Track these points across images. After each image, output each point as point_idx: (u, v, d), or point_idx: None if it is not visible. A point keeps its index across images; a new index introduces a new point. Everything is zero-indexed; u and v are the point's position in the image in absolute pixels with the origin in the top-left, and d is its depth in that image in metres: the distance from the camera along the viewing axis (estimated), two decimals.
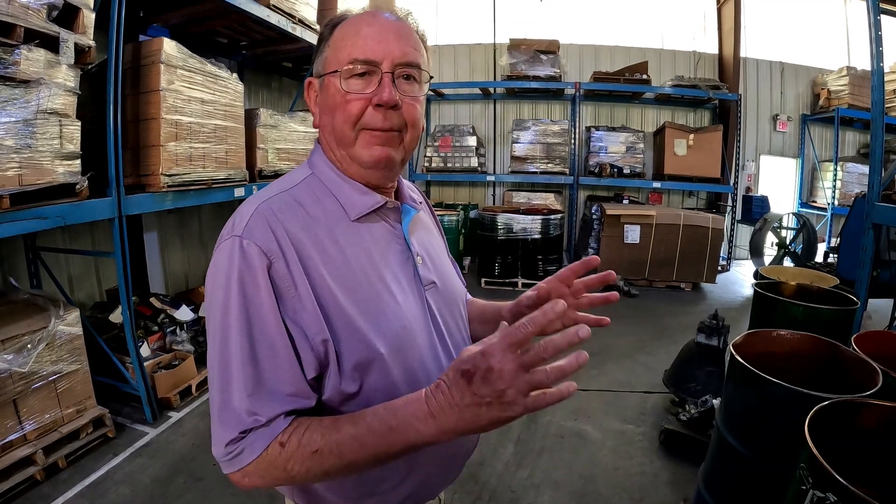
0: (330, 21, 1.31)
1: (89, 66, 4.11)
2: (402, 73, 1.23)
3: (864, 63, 10.95)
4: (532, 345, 0.96)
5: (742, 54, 11.84)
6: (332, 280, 1.17)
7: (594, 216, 11.02)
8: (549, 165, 11.49)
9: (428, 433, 1.03)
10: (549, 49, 11.24)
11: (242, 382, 1.08)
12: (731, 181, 11.46)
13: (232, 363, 1.09)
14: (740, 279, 10.77)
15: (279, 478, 1.10)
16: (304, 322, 1.13)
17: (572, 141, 11.73)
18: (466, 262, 11.09)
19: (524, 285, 9.54)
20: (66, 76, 3.80)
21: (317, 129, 1.37)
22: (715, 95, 11.18)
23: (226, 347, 1.10)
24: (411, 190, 1.53)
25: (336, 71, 1.23)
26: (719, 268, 10.38)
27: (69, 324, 4.17)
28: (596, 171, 11.52)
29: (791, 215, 11.02)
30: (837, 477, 1.66)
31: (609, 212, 9.81)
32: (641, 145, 11.55)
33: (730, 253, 11.81)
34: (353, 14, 1.29)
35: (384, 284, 1.25)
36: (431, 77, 1.34)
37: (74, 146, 3.92)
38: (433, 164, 11.79)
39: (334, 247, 1.21)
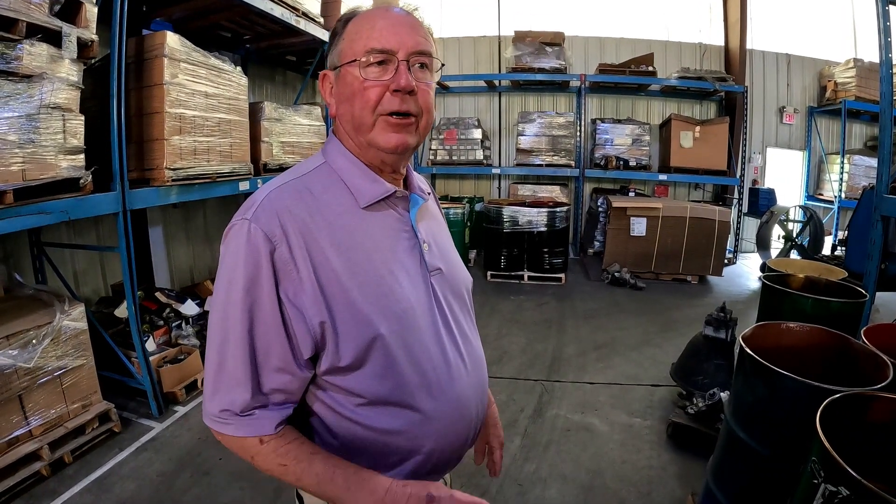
0: (343, 16, 1.38)
1: (92, 61, 4.10)
2: (416, 62, 1.31)
3: (870, 55, 10.91)
4: None
5: (748, 46, 11.80)
6: (338, 263, 1.25)
7: (600, 209, 11.03)
8: (555, 158, 11.47)
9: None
10: (554, 41, 11.19)
11: (237, 352, 1.21)
12: (738, 174, 11.43)
13: (230, 333, 1.22)
14: (747, 272, 10.75)
15: (244, 457, 1.29)
16: (303, 304, 1.22)
17: (578, 133, 11.70)
18: (472, 255, 11.09)
19: (530, 278, 9.57)
20: (69, 71, 3.78)
21: (333, 119, 1.44)
22: (721, 87, 11.13)
23: (226, 318, 1.22)
24: (420, 181, 1.60)
25: (354, 60, 1.29)
26: (726, 261, 10.35)
27: (74, 319, 4.17)
28: (602, 163, 11.51)
29: (798, 208, 10.98)
30: (850, 471, 1.64)
31: (615, 204, 9.80)
32: (647, 137, 11.53)
33: (736, 246, 11.81)
34: (364, 10, 1.36)
35: (388, 269, 1.32)
36: (443, 65, 1.42)
37: (78, 141, 3.91)
38: (438, 157, 11.78)
39: (342, 232, 1.28)
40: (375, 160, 1.38)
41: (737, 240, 11.80)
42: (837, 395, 2.08)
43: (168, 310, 5.70)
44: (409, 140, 1.34)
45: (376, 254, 1.31)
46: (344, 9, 7.11)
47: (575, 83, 11.77)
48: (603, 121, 11.78)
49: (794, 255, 10.23)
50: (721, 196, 12.11)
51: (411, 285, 1.35)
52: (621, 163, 11.38)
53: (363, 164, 1.38)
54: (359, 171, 1.37)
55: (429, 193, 1.62)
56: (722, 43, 12.30)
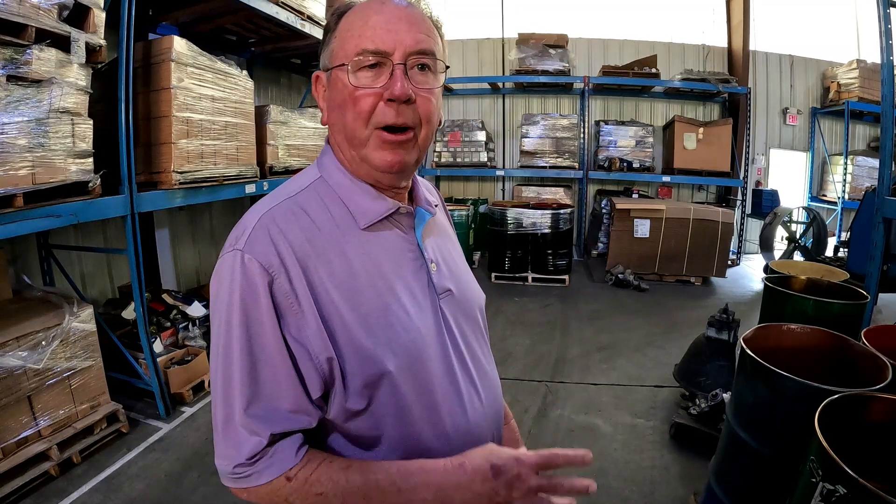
0: (336, 10, 1.21)
1: (100, 65, 4.14)
2: (415, 63, 1.15)
3: (874, 56, 10.91)
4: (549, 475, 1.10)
5: (751, 47, 11.84)
6: (337, 294, 1.12)
7: (604, 210, 11.03)
8: (559, 160, 11.50)
9: (427, 498, 1.08)
10: (557, 43, 11.22)
11: (245, 399, 1.07)
12: (741, 175, 11.44)
13: (234, 380, 1.07)
14: (750, 273, 10.74)
15: None
16: (307, 340, 1.09)
17: (581, 135, 11.73)
18: (476, 256, 11.12)
19: (534, 279, 9.58)
20: (78, 75, 3.82)
21: (326, 127, 1.28)
22: (724, 89, 11.16)
23: (228, 364, 1.08)
24: (428, 191, 1.45)
25: (343, 64, 1.14)
26: (729, 262, 10.36)
27: (83, 320, 4.21)
28: (605, 165, 11.54)
29: (801, 209, 10.97)
30: (847, 470, 1.67)
31: (619, 206, 9.81)
32: (651, 139, 11.56)
33: (740, 247, 11.81)
34: (360, 2, 1.19)
35: (394, 296, 1.19)
36: (448, 67, 1.25)
37: (87, 144, 3.95)
38: (443, 160, 11.83)
39: (340, 258, 1.15)
40: (369, 178, 1.23)
41: (740, 241, 11.81)
42: (836, 396, 2.11)
43: (175, 311, 5.74)
44: (406, 158, 1.19)
45: (380, 280, 1.17)
46: None
47: (578, 85, 11.82)
48: (606, 122, 11.80)
49: (797, 256, 10.23)
50: (724, 197, 12.13)
51: (419, 312, 1.22)
52: (625, 164, 11.42)
53: (360, 180, 1.24)
54: (357, 188, 1.22)
55: (436, 205, 1.46)
56: (725, 44, 12.34)
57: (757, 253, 11.34)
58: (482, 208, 11.78)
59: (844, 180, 11.44)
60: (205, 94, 4.94)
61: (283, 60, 8.81)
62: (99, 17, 3.98)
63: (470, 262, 10.20)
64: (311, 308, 1.09)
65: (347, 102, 1.15)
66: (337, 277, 1.13)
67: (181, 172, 4.74)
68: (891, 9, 4.91)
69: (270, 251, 1.08)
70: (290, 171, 6.57)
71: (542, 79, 11.35)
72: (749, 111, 11.54)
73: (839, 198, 11.57)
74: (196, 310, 5.82)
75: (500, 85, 12.57)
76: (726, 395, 4.15)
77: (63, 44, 3.72)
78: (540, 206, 9.92)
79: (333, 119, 1.22)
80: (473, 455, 1.11)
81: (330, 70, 1.19)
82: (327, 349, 1.09)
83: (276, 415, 1.08)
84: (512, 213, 9.48)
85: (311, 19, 6.47)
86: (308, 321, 1.08)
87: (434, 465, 1.10)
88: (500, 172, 12.25)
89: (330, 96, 1.22)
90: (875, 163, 10.26)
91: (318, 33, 6.60)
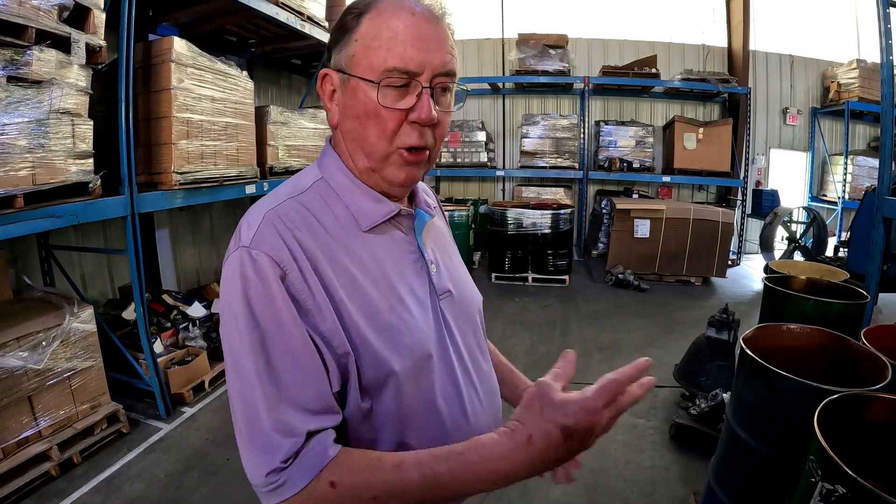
0: (355, 7, 1.15)
1: (100, 66, 4.14)
2: (440, 85, 1.13)
3: (874, 56, 10.90)
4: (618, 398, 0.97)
5: (751, 47, 11.83)
6: (344, 294, 1.08)
7: (604, 211, 11.03)
8: (559, 160, 11.50)
9: (496, 483, 0.98)
10: (557, 43, 11.22)
11: (268, 404, 0.99)
12: (741, 175, 11.43)
13: (255, 385, 1.00)
14: (750, 273, 10.74)
15: None
16: (324, 333, 1.05)
17: (581, 135, 11.74)
18: (476, 257, 11.09)
19: (534, 280, 9.58)
20: (78, 76, 3.82)
21: (333, 128, 1.24)
22: (724, 89, 11.16)
23: (246, 369, 1.01)
24: (426, 193, 1.43)
25: (372, 81, 1.09)
26: (729, 262, 10.36)
27: (83, 321, 4.21)
28: (605, 165, 11.54)
29: (801, 209, 10.97)
30: (846, 469, 1.67)
31: (619, 206, 9.81)
32: (651, 139, 11.56)
33: (740, 247, 11.80)
34: (383, 1, 1.12)
35: (398, 297, 1.17)
36: (467, 92, 1.23)
37: (87, 145, 3.95)
38: (442, 160, 11.81)
39: (345, 258, 1.12)
40: (377, 187, 1.21)
41: (740, 241, 11.80)
42: (836, 396, 2.10)
43: (175, 312, 5.74)
44: (418, 175, 1.20)
45: (383, 281, 1.16)
46: None
47: (578, 85, 11.82)
48: (606, 123, 11.80)
49: (797, 256, 10.23)
50: (725, 197, 12.13)
51: (422, 313, 1.20)
52: (625, 165, 11.42)
53: (364, 184, 1.21)
54: (360, 190, 1.20)
55: (435, 206, 1.45)
56: (725, 44, 12.33)
57: (757, 253, 11.33)
58: (482, 209, 11.77)
59: (844, 180, 11.43)
60: (205, 95, 4.94)
61: (283, 61, 8.83)
62: (99, 17, 3.99)
63: (470, 262, 10.19)
64: (325, 302, 1.05)
65: (370, 118, 1.12)
66: (342, 277, 1.10)
67: (181, 173, 4.74)
68: (891, 9, 4.92)
69: (279, 245, 1.04)
70: (290, 172, 6.56)
71: (542, 79, 11.35)
72: (749, 111, 11.54)
73: (839, 198, 11.57)
74: (196, 310, 5.83)
75: (500, 85, 12.58)
76: (726, 395, 4.15)
77: (63, 45, 3.72)
78: (540, 206, 9.91)
79: (349, 127, 1.18)
80: (535, 423, 0.95)
81: (348, 76, 1.14)
82: (344, 343, 1.06)
83: (303, 413, 1.01)
84: (512, 214, 9.47)
85: (311, 20, 6.48)
86: (324, 315, 1.05)
87: (494, 451, 0.96)
88: (500, 173, 12.25)
89: (346, 103, 1.16)
90: (875, 163, 10.25)
91: (317, 34, 6.62)
